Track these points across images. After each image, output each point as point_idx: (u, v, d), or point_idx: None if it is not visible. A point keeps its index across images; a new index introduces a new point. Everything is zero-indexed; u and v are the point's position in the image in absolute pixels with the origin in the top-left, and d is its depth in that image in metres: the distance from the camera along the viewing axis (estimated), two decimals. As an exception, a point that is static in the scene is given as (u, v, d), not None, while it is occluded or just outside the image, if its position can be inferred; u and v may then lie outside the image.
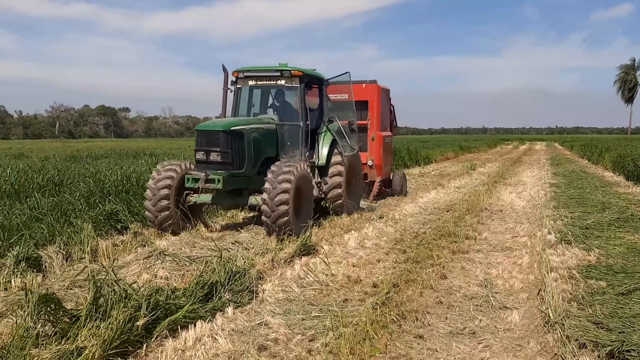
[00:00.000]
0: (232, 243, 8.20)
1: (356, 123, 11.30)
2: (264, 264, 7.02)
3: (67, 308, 4.73)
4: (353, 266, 7.25)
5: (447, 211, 12.07)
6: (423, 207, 12.74)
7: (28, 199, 10.10)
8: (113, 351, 4.20)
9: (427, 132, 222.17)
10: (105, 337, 4.17)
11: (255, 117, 10.22)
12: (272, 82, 10.22)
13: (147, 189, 9.10)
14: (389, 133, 14.98)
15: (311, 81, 10.50)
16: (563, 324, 4.78)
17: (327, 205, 10.43)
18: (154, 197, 8.90)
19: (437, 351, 4.57)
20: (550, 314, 5.05)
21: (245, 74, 10.24)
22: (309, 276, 6.68)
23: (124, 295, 4.79)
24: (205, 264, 6.31)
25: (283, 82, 10.07)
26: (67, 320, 4.51)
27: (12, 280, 5.92)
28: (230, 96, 10.53)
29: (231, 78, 10.40)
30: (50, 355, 3.96)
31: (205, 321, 5.02)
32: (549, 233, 8.84)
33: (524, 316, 5.38)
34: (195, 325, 4.90)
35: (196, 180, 8.83)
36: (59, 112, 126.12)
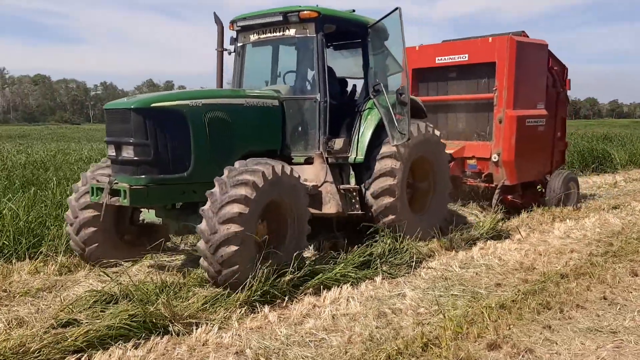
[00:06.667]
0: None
1: (408, 92, 6.83)
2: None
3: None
4: (538, 254, 6.94)
5: None
6: (681, 199, 11.01)
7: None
8: (256, 298, 5.03)
9: None
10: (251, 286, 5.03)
11: (232, 90, 7.07)
12: (278, 35, 6.86)
13: (69, 208, 6.29)
14: (542, 111, 9.58)
15: (343, 28, 6.89)
16: None
17: (372, 224, 6.83)
18: (76, 221, 6.12)
19: (556, 344, 4.32)
20: None
21: (240, 23, 7.06)
22: (480, 259, 6.67)
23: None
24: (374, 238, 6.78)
25: (292, 32, 6.71)
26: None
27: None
28: (230, 60, 7.44)
29: (229, 34, 7.30)
30: (207, 293, 5.02)
31: (350, 285, 5.56)
32: None
33: (698, 325, 4.62)
34: (341, 288, 5.49)
35: (101, 190, 5.72)
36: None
